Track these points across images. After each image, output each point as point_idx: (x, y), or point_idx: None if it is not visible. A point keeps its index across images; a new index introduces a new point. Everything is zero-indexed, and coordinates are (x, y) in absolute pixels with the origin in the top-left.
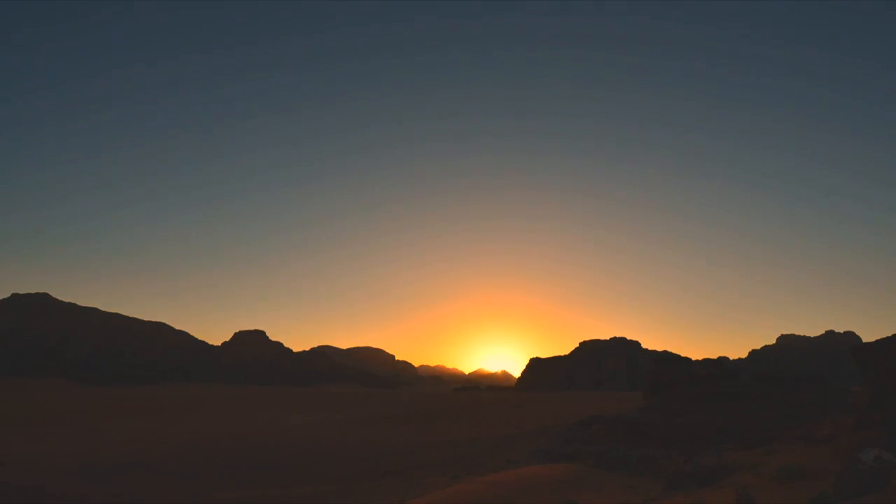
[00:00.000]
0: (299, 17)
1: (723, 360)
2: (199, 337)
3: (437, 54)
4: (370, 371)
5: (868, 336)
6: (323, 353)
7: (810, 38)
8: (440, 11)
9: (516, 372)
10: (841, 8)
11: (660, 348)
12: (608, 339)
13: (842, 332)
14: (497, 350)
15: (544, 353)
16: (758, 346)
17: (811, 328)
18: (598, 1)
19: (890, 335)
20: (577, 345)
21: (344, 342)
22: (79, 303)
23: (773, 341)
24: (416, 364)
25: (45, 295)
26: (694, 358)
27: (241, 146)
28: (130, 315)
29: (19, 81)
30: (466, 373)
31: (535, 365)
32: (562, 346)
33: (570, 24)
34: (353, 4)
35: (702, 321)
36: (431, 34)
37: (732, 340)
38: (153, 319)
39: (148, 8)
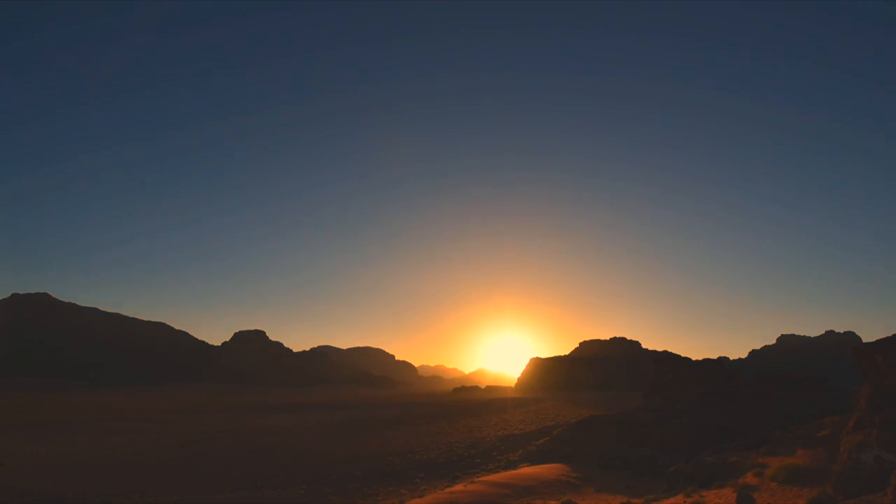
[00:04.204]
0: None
1: (723, 360)
2: (199, 337)
3: (449, 68)
4: (370, 371)
5: (868, 336)
6: (323, 353)
7: (813, 37)
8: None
9: (516, 372)
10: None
11: (660, 348)
12: (608, 339)
13: (842, 332)
14: (497, 350)
15: (544, 354)
16: (758, 346)
17: (811, 328)
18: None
19: (890, 335)
20: (577, 345)
21: (344, 342)
22: (79, 303)
23: (773, 341)
24: (416, 364)
25: (45, 295)
26: (694, 358)
27: (242, 147)
28: (130, 315)
29: (19, 82)
30: (466, 373)
31: (535, 365)
32: (562, 346)
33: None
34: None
35: (702, 321)
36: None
37: (732, 340)
38: (153, 319)
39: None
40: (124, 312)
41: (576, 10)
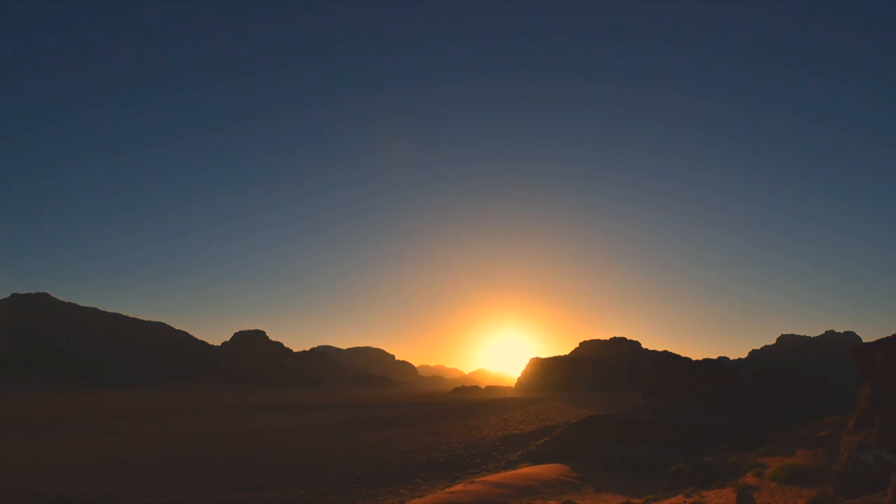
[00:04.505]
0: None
1: (723, 360)
2: (199, 337)
3: (449, 75)
4: (370, 371)
5: (868, 336)
6: (323, 353)
7: (814, 37)
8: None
9: (516, 372)
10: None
11: (660, 348)
12: (608, 339)
13: (842, 332)
14: (497, 350)
15: (545, 354)
16: (758, 346)
17: (811, 328)
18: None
19: (890, 335)
20: (577, 345)
21: (344, 342)
22: (79, 303)
23: (773, 341)
24: (416, 364)
25: (45, 295)
26: (694, 358)
27: (243, 147)
28: (130, 315)
29: (21, 83)
30: (466, 373)
31: (535, 365)
32: (562, 346)
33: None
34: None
35: (702, 321)
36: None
37: (732, 340)
38: (153, 319)
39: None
40: (124, 312)
41: (572, 17)
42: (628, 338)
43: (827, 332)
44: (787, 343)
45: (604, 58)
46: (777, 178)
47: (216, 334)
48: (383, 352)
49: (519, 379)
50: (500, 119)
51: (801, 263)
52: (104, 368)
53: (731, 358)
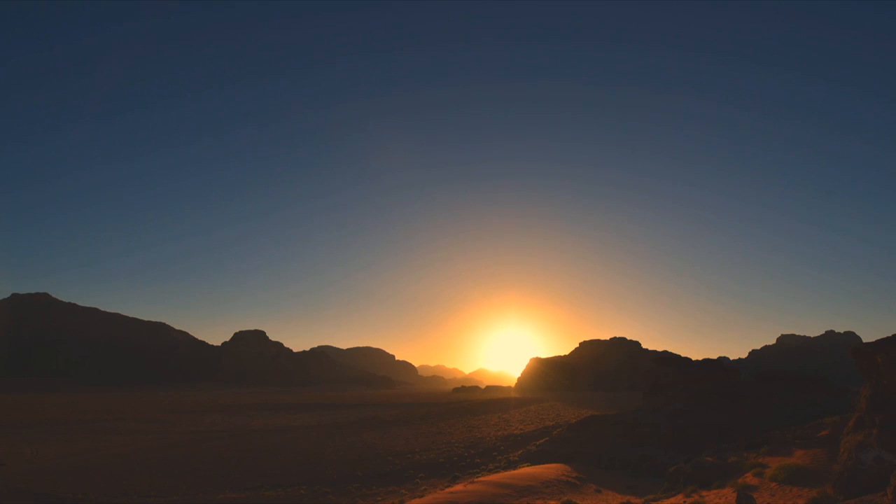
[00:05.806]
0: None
1: (723, 360)
2: (199, 337)
3: (450, 78)
4: (370, 371)
5: (868, 336)
6: (323, 353)
7: (814, 38)
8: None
9: (517, 372)
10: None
11: (660, 348)
12: (608, 339)
13: (842, 332)
14: (497, 350)
15: (545, 353)
16: (758, 346)
17: (811, 328)
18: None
19: (890, 335)
20: (577, 345)
21: (344, 342)
22: (79, 303)
23: (773, 341)
24: (416, 364)
25: (45, 295)
26: (694, 358)
27: (243, 150)
28: (130, 315)
29: (21, 84)
30: (466, 373)
31: (535, 365)
32: (562, 346)
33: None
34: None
35: (702, 321)
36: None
37: (732, 340)
38: (153, 319)
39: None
40: (124, 313)
41: (572, 21)
42: (628, 338)
43: (827, 332)
44: (787, 343)
45: (606, 61)
46: (777, 179)
47: (216, 334)
48: (383, 352)
49: (519, 379)
50: (501, 121)
51: (801, 264)
52: (104, 368)
53: (731, 358)
